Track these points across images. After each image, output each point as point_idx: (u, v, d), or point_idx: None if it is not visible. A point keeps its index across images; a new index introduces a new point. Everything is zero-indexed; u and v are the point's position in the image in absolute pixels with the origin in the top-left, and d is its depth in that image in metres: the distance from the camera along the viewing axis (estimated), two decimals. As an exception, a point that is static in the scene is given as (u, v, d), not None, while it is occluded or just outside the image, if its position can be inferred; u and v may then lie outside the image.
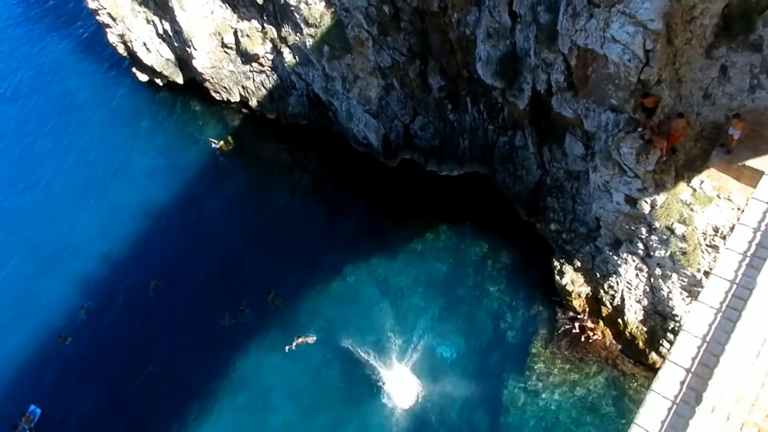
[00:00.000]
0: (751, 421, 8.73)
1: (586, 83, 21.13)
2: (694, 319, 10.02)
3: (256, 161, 36.08)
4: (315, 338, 27.54)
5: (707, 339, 9.84)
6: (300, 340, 27.51)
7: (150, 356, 29.10)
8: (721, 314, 9.98)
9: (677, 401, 9.27)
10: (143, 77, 39.40)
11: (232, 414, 26.77)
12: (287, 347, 27.42)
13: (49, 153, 38.59)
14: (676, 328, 22.62)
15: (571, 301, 25.69)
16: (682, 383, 9.40)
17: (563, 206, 26.37)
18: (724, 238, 19.51)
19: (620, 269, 23.19)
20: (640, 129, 19.79)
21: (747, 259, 10.24)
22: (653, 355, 23.67)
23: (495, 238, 28.68)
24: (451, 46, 26.94)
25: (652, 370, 23.03)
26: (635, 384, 23.92)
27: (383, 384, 25.82)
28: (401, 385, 25.66)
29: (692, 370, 9.52)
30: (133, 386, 28.41)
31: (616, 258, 23.18)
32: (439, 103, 29.56)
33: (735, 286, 10.13)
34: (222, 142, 36.12)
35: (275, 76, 34.59)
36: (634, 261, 22.68)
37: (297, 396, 26.37)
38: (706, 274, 18.77)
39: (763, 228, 10.39)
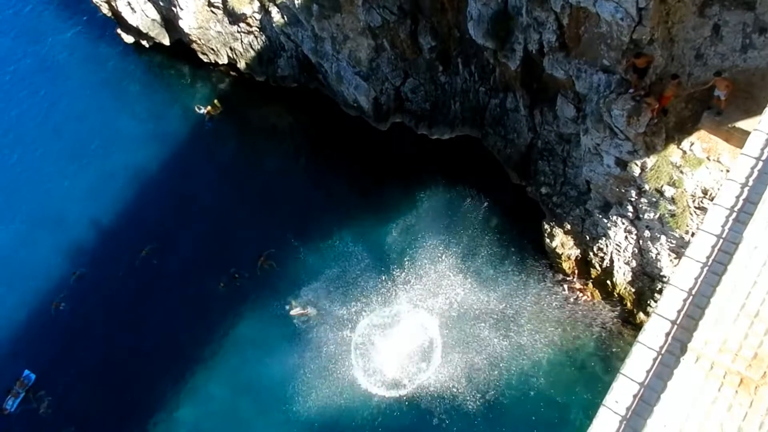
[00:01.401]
0: (734, 370, 8.94)
1: (578, 43, 20.94)
2: (681, 273, 10.16)
3: (245, 126, 35.69)
4: (307, 306, 27.79)
5: (693, 292, 9.99)
6: (303, 311, 27.69)
7: (142, 322, 29.21)
8: (707, 268, 10.11)
9: (662, 352, 9.47)
10: (129, 39, 38.51)
11: (226, 379, 27.03)
12: (295, 316, 27.52)
13: (38, 119, 38.08)
14: (664, 289, 22.95)
15: (561, 264, 25.94)
16: (668, 335, 9.58)
17: (554, 169, 26.39)
18: (712, 199, 19.63)
19: (609, 232, 23.37)
20: (631, 90, 19.73)
21: (734, 214, 10.34)
22: (641, 316, 24.07)
23: (486, 202, 28.75)
24: (442, 5, 26.51)
25: (640, 329, 23.40)
26: (622, 343, 24.34)
27: (374, 345, 26.13)
28: (392, 345, 25.99)
29: (678, 322, 9.70)
30: (127, 352, 28.56)
31: (605, 221, 23.33)
32: (430, 64, 29.21)
33: (721, 240, 10.24)
34: (209, 107, 35.64)
35: (264, 37, 33.96)
36: (623, 223, 22.84)
37: (291, 359, 26.58)
38: (694, 236, 19.00)
39: (750, 183, 10.47)
